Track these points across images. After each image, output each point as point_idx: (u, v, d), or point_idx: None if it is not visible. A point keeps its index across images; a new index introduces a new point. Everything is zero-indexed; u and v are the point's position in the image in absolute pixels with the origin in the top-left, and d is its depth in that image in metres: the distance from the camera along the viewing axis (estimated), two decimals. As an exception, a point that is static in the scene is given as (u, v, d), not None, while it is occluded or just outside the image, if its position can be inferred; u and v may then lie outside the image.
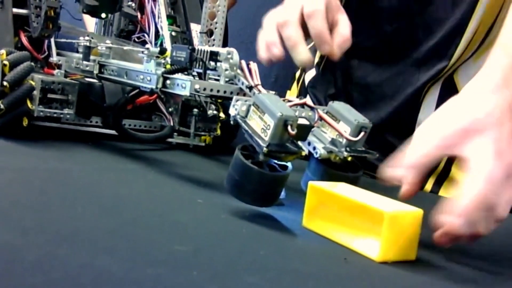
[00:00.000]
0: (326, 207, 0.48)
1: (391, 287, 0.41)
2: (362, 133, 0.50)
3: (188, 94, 0.56)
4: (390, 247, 0.44)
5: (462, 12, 0.75)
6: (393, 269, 0.43)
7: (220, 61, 0.58)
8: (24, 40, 0.75)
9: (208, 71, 0.60)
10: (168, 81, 0.60)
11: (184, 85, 0.57)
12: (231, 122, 0.50)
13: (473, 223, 0.44)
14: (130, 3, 0.88)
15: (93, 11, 0.81)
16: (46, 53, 0.77)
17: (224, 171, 0.50)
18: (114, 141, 0.76)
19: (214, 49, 0.59)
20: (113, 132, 0.76)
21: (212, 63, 0.59)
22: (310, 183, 0.48)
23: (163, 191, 0.57)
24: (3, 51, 0.68)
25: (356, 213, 0.46)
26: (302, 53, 0.65)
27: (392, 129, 0.81)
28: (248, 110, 0.49)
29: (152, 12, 0.89)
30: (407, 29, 0.78)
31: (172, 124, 0.78)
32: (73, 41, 0.76)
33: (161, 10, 0.88)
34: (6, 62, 0.67)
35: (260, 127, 0.47)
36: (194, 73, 0.61)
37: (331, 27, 0.68)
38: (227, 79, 0.58)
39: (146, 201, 0.52)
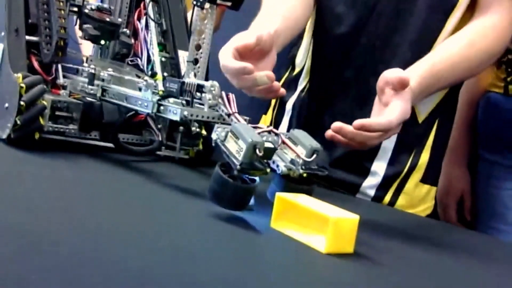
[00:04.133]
0: (289, 213, 0.62)
1: (334, 270, 0.55)
2: (314, 155, 0.64)
3: (178, 119, 0.70)
4: (333, 243, 0.58)
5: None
6: (335, 259, 0.57)
7: (205, 92, 0.72)
8: (36, 64, 0.87)
9: (194, 99, 0.73)
10: (162, 107, 0.73)
11: (175, 111, 0.71)
12: (212, 144, 0.64)
13: None
14: (125, 30, 1.00)
15: (94, 39, 0.94)
16: (54, 75, 0.90)
17: (204, 181, 0.62)
18: (110, 153, 0.88)
19: (200, 82, 0.72)
20: (109, 144, 0.89)
21: (198, 94, 0.72)
22: (277, 194, 0.62)
23: (155, 198, 0.70)
24: (20, 75, 0.80)
25: (310, 218, 0.60)
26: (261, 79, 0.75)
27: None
28: (226, 136, 0.62)
29: (145, 39, 1.02)
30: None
31: (160, 139, 0.91)
32: (79, 67, 0.88)
33: (153, 38, 1.01)
34: (22, 85, 0.79)
35: (235, 149, 0.61)
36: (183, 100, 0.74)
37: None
38: (210, 107, 0.72)
39: (142, 206, 0.65)
